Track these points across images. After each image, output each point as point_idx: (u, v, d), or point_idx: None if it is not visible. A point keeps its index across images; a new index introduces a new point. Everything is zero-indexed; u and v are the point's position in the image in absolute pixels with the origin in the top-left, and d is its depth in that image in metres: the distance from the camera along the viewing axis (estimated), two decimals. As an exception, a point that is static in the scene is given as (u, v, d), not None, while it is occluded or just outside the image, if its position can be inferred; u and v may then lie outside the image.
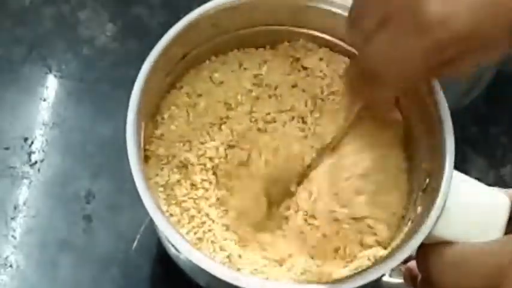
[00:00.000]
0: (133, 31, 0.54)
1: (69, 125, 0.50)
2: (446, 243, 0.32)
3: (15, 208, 0.47)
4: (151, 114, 0.36)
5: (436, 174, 0.33)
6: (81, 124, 0.50)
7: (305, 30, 0.39)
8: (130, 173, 0.32)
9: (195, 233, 0.34)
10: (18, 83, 0.51)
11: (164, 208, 0.35)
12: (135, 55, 0.50)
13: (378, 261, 0.33)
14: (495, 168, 0.51)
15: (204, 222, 0.35)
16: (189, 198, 0.35)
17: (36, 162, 0.48)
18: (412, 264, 0.37)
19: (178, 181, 0.35)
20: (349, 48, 0.38)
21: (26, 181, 0.48)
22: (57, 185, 0.48)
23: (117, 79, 0.51)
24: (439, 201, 0.32)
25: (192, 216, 0.35)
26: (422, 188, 0.35)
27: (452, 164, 0.33)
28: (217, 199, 0.36)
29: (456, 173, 0.33)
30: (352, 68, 0.36)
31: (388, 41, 0.29)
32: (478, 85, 0.50)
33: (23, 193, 0.47)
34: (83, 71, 0.52)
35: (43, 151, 0.49)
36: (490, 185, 0.49)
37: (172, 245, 0.31)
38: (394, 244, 0.34)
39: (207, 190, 0.35)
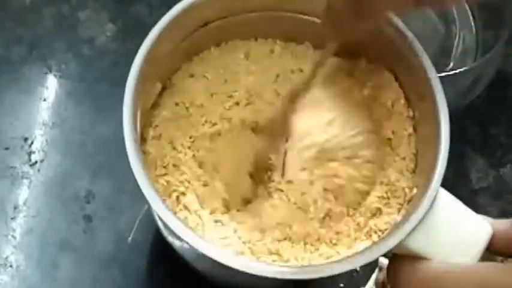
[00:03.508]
0: (133, 31, 0.54)
1: (69, 125, 0.50)
2: (420, 258, 0.32)
3: (15, 208, 0.47)
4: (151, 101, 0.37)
5: (422, 186, 0.33)
6: (81, 124, 0.50)
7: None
8: (131, 172, 0.32)
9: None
10: (18, 83, 0.51)
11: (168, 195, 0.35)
12: (135, 55, 0.50)
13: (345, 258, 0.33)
14: (495, 168, 0.51)
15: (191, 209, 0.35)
16: (179, 182, 0.36)
17: (36, 162, 0.48)
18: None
19: (174, 166, 0.35)
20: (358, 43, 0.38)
21: (26, 181, 0.48)
22: (57, 185, 0.48)
23: (117, 79, 0.51)
24: (419, 212, 0.32)
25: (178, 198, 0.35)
26: (408, 199, 0.35)
27: (441, 179, 0.33)
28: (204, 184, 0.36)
29: (444, 192, 0.33)
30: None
31: None
32: (478, 85, 0.50)
33: (23, 193, 0.47)
34: (83, 71, 0.52)
35: (43, 151, 0.49)
36: (490, 185, 0.50)
37: (175, 234, 0.31)
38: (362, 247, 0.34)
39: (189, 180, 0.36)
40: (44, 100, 0.51)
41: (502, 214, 0.48)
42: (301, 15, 0.39)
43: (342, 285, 0.46)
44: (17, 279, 0.45)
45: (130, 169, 0.32)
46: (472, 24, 0.54)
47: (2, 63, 0.52)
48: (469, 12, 0.54)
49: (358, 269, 0.46)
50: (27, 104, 0.50)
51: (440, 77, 0.35)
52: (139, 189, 0.32)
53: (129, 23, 0.54)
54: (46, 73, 0.52)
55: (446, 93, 0.35)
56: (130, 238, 0.46)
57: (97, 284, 0.45)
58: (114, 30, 0.53)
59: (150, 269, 0.46)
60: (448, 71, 0.46)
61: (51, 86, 0.51)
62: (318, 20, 0.38)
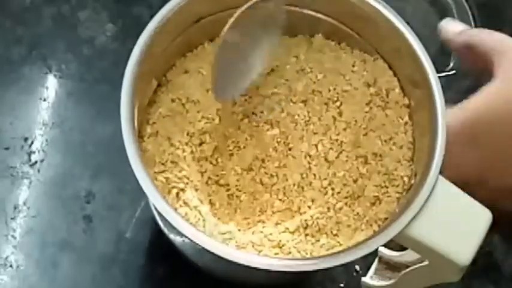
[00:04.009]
0: (133, 31, 0.53)
1: (69, 125, 0.50)
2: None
3: (15, 208, 0.47)
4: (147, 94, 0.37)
5: (421, 175, 0.33)
6: (81, 124, 0.50)
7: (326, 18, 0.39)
8: (131, 172, 0.32)
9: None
10: (18, 83, 0.51)
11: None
12: (135, 55, 0.50)
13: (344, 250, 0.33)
14: (495, 168, 0.51)
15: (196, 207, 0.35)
16: (178, 179, 0.36)
17: (36, 162, 0.48)
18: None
19: (173, 162, 0.36)
20: (352, 33, 0.38)
21: (26, 181, 0.48)
22: (57, 185, 0.48)
23: (117, 79, 0.50)
24: (418, 200, 0.32)
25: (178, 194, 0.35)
26: (407, 187, 0.35)
27: (439, 167, 0.33)
28: (209, 178, 0.36)
29: (443, 179, 0.33)
30: None
31: None
32: (478, 85, 0.50)
33: (23, 193, 0.47)
34: (83, 71, 0.52)
35: (43, 151, 0.49)
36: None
37: (176, 230, 0.31)
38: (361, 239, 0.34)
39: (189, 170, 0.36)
40: (44, 100, 0.51)
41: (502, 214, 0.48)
42: (293, 8, 0.39)
43: (342, 285, 0.46)
44: (17, 279, 0.45)
45: (130, 169, 0.32)
46: (472, 24, 0.54)
47: (2, 63, 0.52)
48: (469, 12, 0.54)
49: (358, 268, 0.46)
50: (27, 104, 0.50)
51: (440, 77, 0.35)
52: (140, 189, 0.32)
53: (129, 23, 0.54)
54: (46, 73, 0.52)
55: (446, 94, 0.35)
56: (128, 235, 0.46)
57: (97, 284, 0.45)
58: (114, 30, 0.53)
59: (150, 269, 0.46)
60: (448, 71, 0.46)
61: (51, 86, 0.51)
62: (310, 12, 0.39)
